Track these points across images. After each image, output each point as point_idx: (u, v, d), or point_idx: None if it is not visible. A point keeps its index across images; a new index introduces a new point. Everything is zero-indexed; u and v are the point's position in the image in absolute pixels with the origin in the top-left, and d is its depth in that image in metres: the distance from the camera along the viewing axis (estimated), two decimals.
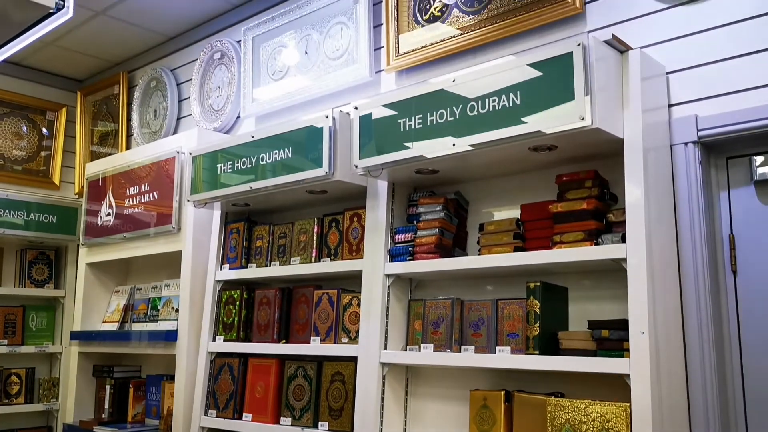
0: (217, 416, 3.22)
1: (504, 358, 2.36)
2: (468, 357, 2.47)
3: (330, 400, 2.84)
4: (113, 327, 4.07)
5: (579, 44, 2.09)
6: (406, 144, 2.46)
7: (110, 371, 4.04)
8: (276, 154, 2.94)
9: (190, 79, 4.14)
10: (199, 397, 3.28)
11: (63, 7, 1.31)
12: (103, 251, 4.10)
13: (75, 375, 4.16)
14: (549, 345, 2.29)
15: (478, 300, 2.55)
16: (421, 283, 2.85)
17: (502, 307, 2.46)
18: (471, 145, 2.29)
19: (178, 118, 4.29)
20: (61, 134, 4.97)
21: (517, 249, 2.43)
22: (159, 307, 3.86)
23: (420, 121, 2.45)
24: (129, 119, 4.59)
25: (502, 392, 2.37)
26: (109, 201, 4.04)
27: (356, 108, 2.66)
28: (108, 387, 4.01)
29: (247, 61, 3.78)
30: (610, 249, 2.16)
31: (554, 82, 2.13)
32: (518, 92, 2.20)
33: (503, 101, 2.23)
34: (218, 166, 3.18)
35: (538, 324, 2.29)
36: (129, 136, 4.60)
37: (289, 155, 2.89)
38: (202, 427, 3.26)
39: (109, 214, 4.04)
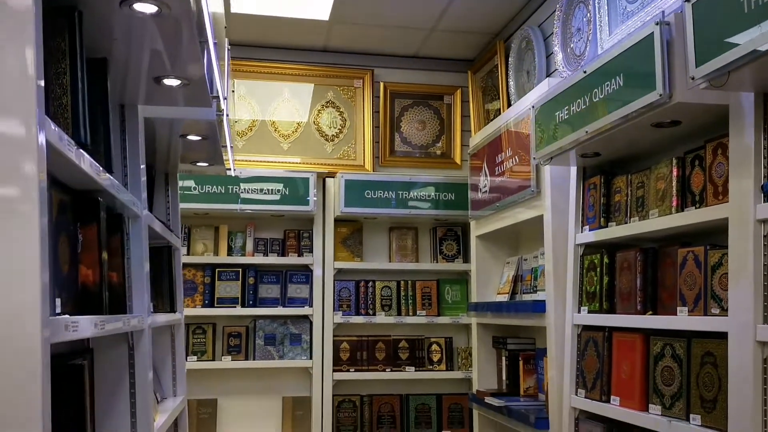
0: (585, 396, 2.84)
1: None
2: None
3: (701, 387, 2.20)
4: (504, 298, 4.01)
5: None
6: (749, 31, 1.71)
7: (504, 343, 3.99)
8: (607, 86, 2.42)
9: (554, 32, 3.80)
10: (568, 374, 2.95)
11: None
12: (486, 223, 4.09)
13: (476, 345, 4.26)
14: None
15: None
16: None
17: None
18: None
19: (547, 75, 3.98)
20: (458, 115, 5.17)
21: None
22: (539, 277, 3.64)
23: None
24: (508, 87, 4.48)
25: None
26: (485, 172, 4.01)
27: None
28: (504, 358, 3.98)
29: None
30: None
31: None
32: None
33: None
34: (556, 114, 2.80)
35: None
36: (509, 105, 4.49)
37: (620, 84, 2.34)
38: (573, 408, 2.92)
39: (485, 185, 4.00)
